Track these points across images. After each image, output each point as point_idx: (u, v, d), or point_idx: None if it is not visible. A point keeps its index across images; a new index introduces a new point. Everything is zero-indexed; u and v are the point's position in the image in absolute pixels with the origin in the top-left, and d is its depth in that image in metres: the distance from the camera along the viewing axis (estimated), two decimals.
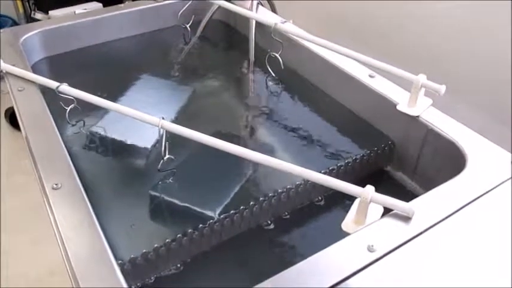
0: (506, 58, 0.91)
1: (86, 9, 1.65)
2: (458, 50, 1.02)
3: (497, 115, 0.94)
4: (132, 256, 0.56)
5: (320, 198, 0.71)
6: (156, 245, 0.58)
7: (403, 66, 0.75)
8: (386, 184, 0.76)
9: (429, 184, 0.65)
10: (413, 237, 0.51)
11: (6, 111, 1.98)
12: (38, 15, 1.83)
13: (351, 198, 0.57)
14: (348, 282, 0.47)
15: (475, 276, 0.48)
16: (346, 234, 0.54)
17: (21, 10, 1.99)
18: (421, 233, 0.52)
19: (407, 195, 0.73)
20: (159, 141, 0.69)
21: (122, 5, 1.09)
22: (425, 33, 1.10)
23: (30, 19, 1.89)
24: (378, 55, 0.79)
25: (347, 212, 0.57)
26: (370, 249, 0.50)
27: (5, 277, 1.38)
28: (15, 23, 2.11)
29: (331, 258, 0.49)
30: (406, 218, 0.53)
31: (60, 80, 0.77)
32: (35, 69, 0.93)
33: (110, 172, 0.72)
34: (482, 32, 0.96)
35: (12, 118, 1.97)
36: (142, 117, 0.68)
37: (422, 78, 0.71)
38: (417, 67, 0.77)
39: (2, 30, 0.97)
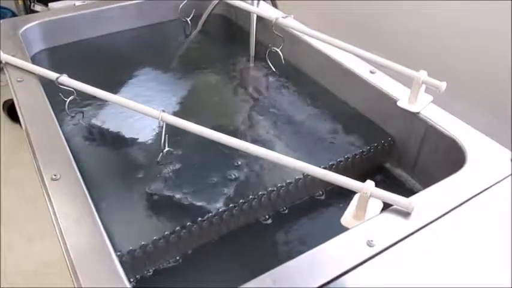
0: (507, 56, 0.91)
1: (85, 1, 1.64)
2: (458, 47, 1.02)
3: (497, 112, 0.94)
4: (130, 248, 0.56)
5: (320, 192, 0.71)
6: (155, 238, 0.57)
7: (404, 63, 0.75)
8: (385, 180, 0.76)
9: (428, 181, 0.65)
10: (412, 232, 0.51)
11: (4, 103, 1.98)
12: (38, 7, 1.82)
13: (350, 194, 0.57)
14: (347, 276, 0.47)
15: (474, 273, 0.49)
16: (345, 229, 0.54)
17: (20, 2, 1.98)
18: (420, 229, 0.52)
19: (407, 191, 0.74)
20: (158, 134, 0.69)
21: None
22: (426, 30, 1.09)
23: (29, 11, 1.88)
24: (379, 51, 0.79)
25: (346, 207, 0.57)
26: (370, 244, 0.50)
27: (2, 272, 1.38)
28: (14, 15, 2.10)
29: (331, 253, 0.49)
30: (405, 214, 0.53)
31: (59, 72, 0.77)
32: (34, 60, 0.93)
33: (109, 164, 0.72)
34: (483, 29, 0.96)
35: (10, 110, 1.96)
36: (143, 109, 0.68)
37: (423, 75, 0.71)
38: (418, 63, 0.77)
39: (1, 21, 0.97)
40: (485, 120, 0.87)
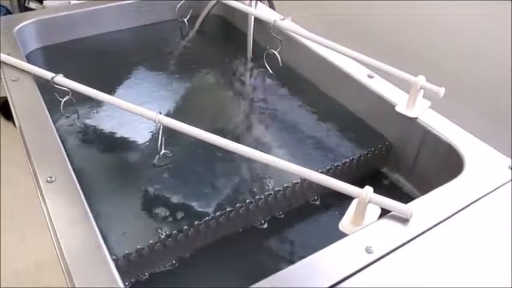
0: (506, 60, 0.91)
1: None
2: (458, 50, 1.02)
3: (496, 118, 0.94)
4: (126, 252, 0.55)
5: (316, 197, 0.71)
6: (150, 241, 0.57)
7: (402, 67, 0.74)
8: (382, 185, 0.76)
9: (425, 186, 0.65)
10: (411, 239, 0.51)
11: None
12: (32, 4, 1.80)
13: (346, 198, 0.57)
14: (346, 283, 0.46)
15: (473, 279, 0.48)
16: (341, 234, 0.53)
17: None
18: (419, 235, 0.52)
19: (404, 196, 0.73)
20: (155, 136, 0.69)
21: None
22: (425, 34, 1.10)
23: (24, 8, 1.86)
24: (377, 55, 0.79)
25: (342, 212, 0.57)
26: (368, 250, 0.49)
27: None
28: (8, 12, 2.08)
29: (329, 259, 0.49)
30: (404, 220, 0.53)
31: (54, 71, 0.76)
32: (29, 59, 0.91)
33: (105, 166, 0.71)
34: (483, 32, 0.96)
35: (3, 108, 1.94)
36: (139, 111, 0.67)
37: (421, 80, 0.71)
38: (416, 68, 0.77)
39: None
40: (484, 124, 0.87)
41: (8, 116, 1.90)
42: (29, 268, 1.38)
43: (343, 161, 0.72)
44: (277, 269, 0.47)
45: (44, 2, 1.71)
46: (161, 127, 0.66)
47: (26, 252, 1.43)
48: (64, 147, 0.63)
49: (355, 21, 1.28)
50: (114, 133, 0.76)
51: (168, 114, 0.79)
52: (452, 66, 1.03)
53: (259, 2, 1.01)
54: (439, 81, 0.71)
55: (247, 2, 0.96)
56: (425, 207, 0.55)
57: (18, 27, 0.94)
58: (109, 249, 0.50)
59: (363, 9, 1.23)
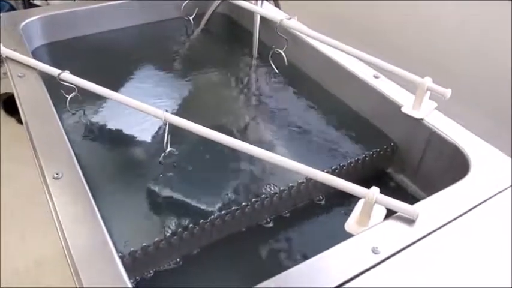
0: (507, 60, 0.91)
1: None
2: (458, 51, 1.02)
3: (496, 118, 0.94)
4: (132, 249, 0.55)
5: (321, 197, 0.71)
6: (156, 239, 0.57)
7: (402, 67, 0.74)
8: (387, 186, 0.76)
9: (430, 188, 0.65)
10: (417, 240, 0.51)
11: (0, 96, 1.95)
12: (37, 1, 1.80)
13: (351, 198, 0.57)
14: (352, 283, 0.46)
15: (477, 280, 0.48)
16: (347, 234, 0.53)
17: None
18: (425, 236, 0.52)
19: (408, 198, 0.73)
20: (160, 133, 0.69)
21: None
22: (425, 34, 1.09)
23: (28, 5, 1.86)
24: (383, 55, 0.78)
25: (347, 212, 0.57)
26: (375, 251, 0.49)
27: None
28: (12, 8, 2.08)
29: (335, 259, 0.49)
30: (410, 221, 0.53)
31: (60, 68, 0.76)
32: (34, 55, 0.91)
33: (111, 163, 0.71)
34: (483, 32, 0.96)
35: (5, 104, 1.93)
36: (146, 108, 0.67)
37: (428, 81, 0.71)
38: (416, 68, 0.77)
39: (1, 15, 0.95)
40: (484, 124, 0.87)
41: (11, 112, 1.90)
42: (29, 267, 1.38)
43: (348, 161, 0.71)
44: (283, 268, 0.47)
45: None
46: (167, 125, 0.66)
47: (26, 251, 1.43)
48: (70, 143, 0.63)
49: (356, 22, 1.27)
50: (120, 130, 0.76)
51: (173, 112, 0.79)
52: (453, 66, 1.03)
53: (265, 1, 1.01)
54: (438, 81, 0.71)
55: (253, 1, 0.96)
56: (432, 208, 0.55)
57: (24, 23, 0.94)
58: (115, 246, 0.50)
59: (363, 10, 1.23)
